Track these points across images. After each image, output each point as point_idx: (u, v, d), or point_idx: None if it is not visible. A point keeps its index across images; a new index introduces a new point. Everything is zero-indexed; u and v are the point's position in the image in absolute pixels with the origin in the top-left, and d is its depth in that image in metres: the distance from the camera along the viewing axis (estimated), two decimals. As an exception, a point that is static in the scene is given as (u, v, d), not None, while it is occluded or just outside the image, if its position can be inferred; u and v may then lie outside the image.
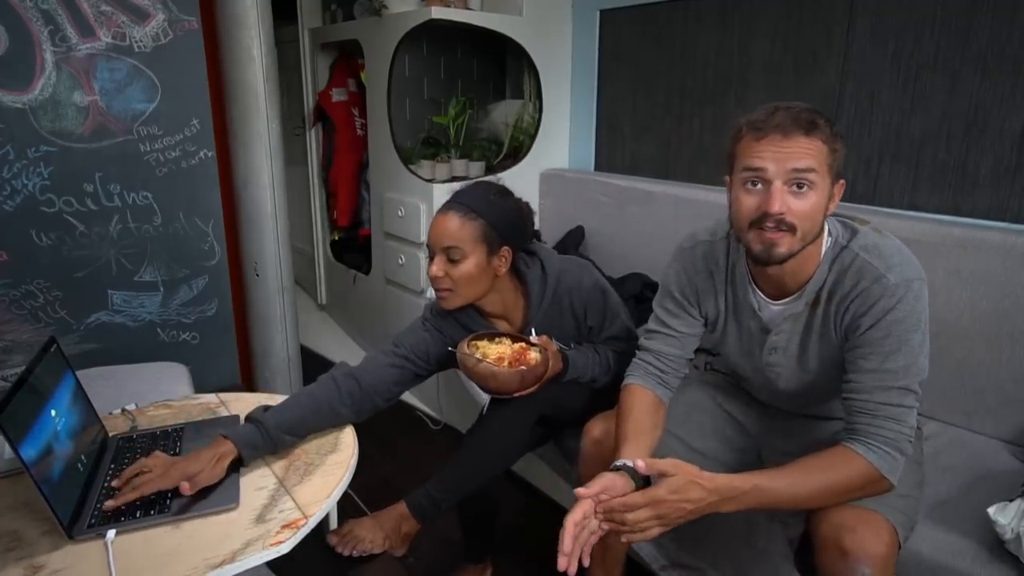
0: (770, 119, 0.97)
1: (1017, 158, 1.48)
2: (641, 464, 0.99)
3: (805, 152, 0.96)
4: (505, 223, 1.35)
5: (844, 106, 1.74)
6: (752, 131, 0.99)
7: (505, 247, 1.36)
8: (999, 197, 1.52)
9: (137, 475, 1.05)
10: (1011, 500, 1.08)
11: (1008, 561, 1.05)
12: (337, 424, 1.30)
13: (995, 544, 1.08)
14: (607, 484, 0.98)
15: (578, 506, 0.97)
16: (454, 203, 1.36)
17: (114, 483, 1.06)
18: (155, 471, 1.05)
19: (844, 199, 1.74)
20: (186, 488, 1.03)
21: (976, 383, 1.45)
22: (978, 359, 1.44)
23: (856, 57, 1.70)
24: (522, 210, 1.42)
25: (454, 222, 1.32)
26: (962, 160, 1.56)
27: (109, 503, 1.01)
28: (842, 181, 1.02)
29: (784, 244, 0.99)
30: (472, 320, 1.46)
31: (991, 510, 1.07)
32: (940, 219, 1.57)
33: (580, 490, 0.98)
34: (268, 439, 1.16)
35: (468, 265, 1.32)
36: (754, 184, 0.99)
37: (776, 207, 0.96)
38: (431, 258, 1.35)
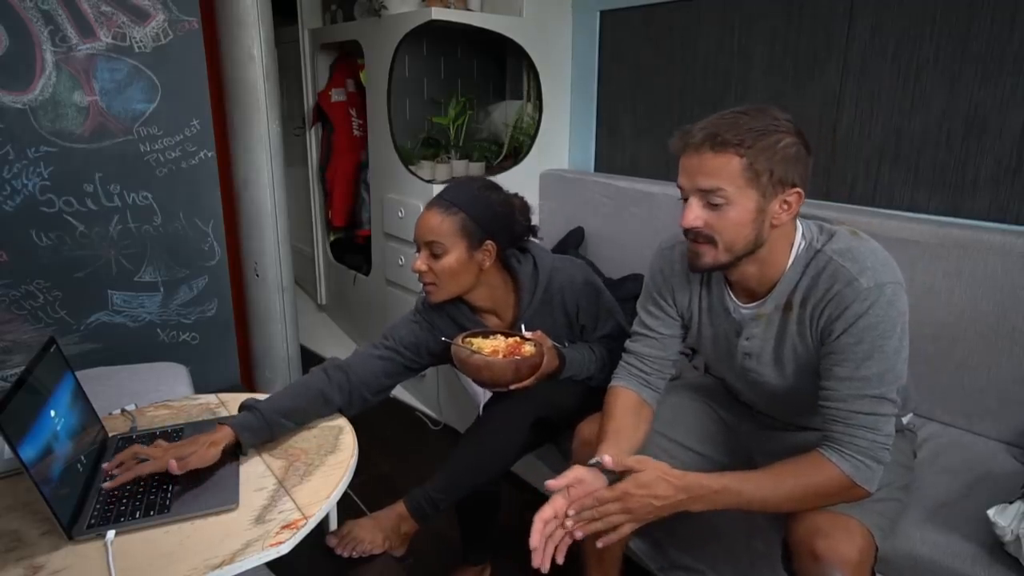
0: (686, 135, 1.00)
1: (1017, 158, 1.48)
2: (609, 460, 1.00)
3: (711, 170, 0.97)
4: (488, 217, 1.36)
5: (844, 106, 1.74)
6: (678, 145, 1.02)
7: (489, 241, 1.37)
8: (999, 198, 1.52)
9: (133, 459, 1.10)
10: (1011, 502, 1.08)
11: (1008, 563, 1.05)
12: (330, 414, 1.33)
13: (995, 546, 1.07)
14: (578, 476, 1.00)
15: (548, 504, 0.99)
16: (437, 198, 1.39)
17: (104, 466, 1.10)
18: (151, 455, 1.08)
19: (843, 200, 1.77)
20: (174, 467, 1.05)
21: (976, 384, 1.45)
22: (978, 360, 1.43)
23: (856, 57, 1.70)
24: (511, 205, 1.43)
25: (435, 218, 1.35)
26: (962, 161, 1.56)
27: (106, 484, 1.04)
28: (798, 190, 0.99)
29: (707, 255, 1.03)
30: (462, 314, 1.47)
31: (991, 512, 1.07)
32: (940, 220, 1.57)
33: (550, 482, 1.00)
34: (264, 422, 1.19)
35: (449, 259, 1.34)
36: (682, 199, 1.03)
37: (685, 222, 1.02)
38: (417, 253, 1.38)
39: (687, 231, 1.03)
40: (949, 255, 1.44)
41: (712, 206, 0.99)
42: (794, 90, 1.83)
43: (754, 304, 1.11)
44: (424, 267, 1.36)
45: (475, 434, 1.40)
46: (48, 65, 1.71)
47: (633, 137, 2.31)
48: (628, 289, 1.94)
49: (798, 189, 0.99)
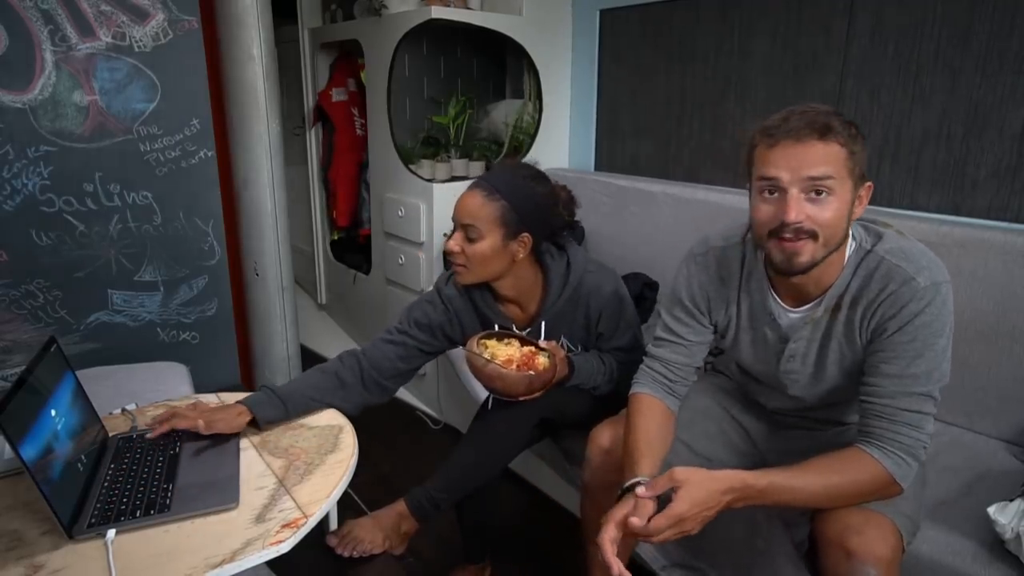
0: (783, 125, 0.95)
1: (1017, 158, 1.48)
2: (643, 491, 0.96)
3: (820, 158, 0.93)
4: (529, 208, 1.34)
5: (844, 106, 1.74)
6: (765, 138, 0.96)
7: (525, 233, 1.35)
8: (999, 197, 1.52)
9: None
10: (1011, 500, 1.09)
11: (1008, 561, 1.05)
12: (347, 399, 1.36)
13: (995, 544, 1.08)
14: (625, 519, 0.96)
15: (604, 532, 0.96)
16: (482, 180, 1.37)
17: (149, 425, 1.21)
18: (185, 414, 1.18)
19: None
20: (201, 426, 1.15)
21: (976, 383, 1.45)
22: (978, 359, 1.43)
23: (856, 57, 1.70)
24: (555, 197, 1.40)
25: (476, 200, 1.33)
26: (962, 160, 1.56)
27: (149, 435, 1.17)
28: (869, 184, 0.99)
29: (807, 252, 0.96)
30: (484, 301, 1.45)
31: (991, 510, 1.07)
32: (940, 219, 1.57)
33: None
34: (277, 398, 1.25)
35: (483, 245, 1.32)
36: (771, 193, 0.97)
37: (792, 216, 0.94)
38: (453, 231, 1.37)
39: (786, 226, 0.95)
40: (949, 254, 1.44)
41: (816, 196, 0.94)
42: (794, 89, 1.83)
43: (805, 308, 1.08)
44: (457, 248, 1.34)
45: (477, 434, 1.40)
46: (48, 65, 1.71)
47: (633, 136, 2.31)
48: (628, 288, 1.94)
49: (869, 183, 0.99)
